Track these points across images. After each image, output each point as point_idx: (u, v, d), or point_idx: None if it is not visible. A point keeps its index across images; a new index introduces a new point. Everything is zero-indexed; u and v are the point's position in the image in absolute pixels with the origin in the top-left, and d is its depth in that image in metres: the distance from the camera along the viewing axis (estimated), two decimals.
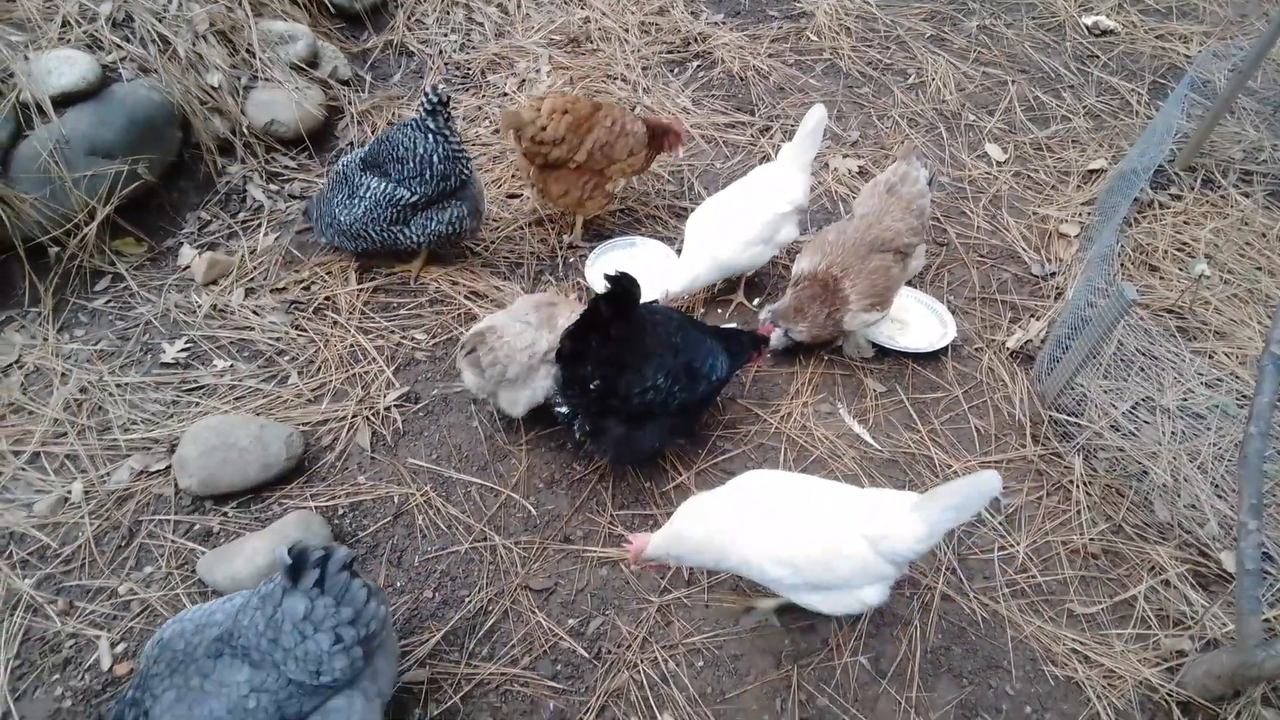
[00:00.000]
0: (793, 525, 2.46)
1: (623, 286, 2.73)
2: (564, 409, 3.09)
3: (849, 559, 2.41)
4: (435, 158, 3.55)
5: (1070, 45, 5.82)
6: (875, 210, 3.53)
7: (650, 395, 2.95)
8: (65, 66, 3.61)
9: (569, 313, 3.16)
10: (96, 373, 3.43)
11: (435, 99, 3.46)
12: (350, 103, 4.63)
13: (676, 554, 2.55)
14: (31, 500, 3.06)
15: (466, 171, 3.67)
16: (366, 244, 3.73)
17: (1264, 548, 3.00)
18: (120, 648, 2.74)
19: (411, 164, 3.54)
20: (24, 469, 3.14)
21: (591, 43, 5.36)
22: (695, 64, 5.36)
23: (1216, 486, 3.38)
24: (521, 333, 3.13)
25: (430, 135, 3.52)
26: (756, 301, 4.01)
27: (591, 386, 2.88)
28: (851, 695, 2.79)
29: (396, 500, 3.16)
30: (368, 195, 3.60)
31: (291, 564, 2.12)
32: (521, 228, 4.22)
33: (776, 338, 3.55)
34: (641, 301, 2.87)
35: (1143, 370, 3.73)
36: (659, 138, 4.01)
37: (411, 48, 5.14)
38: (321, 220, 3.74)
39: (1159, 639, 2.98)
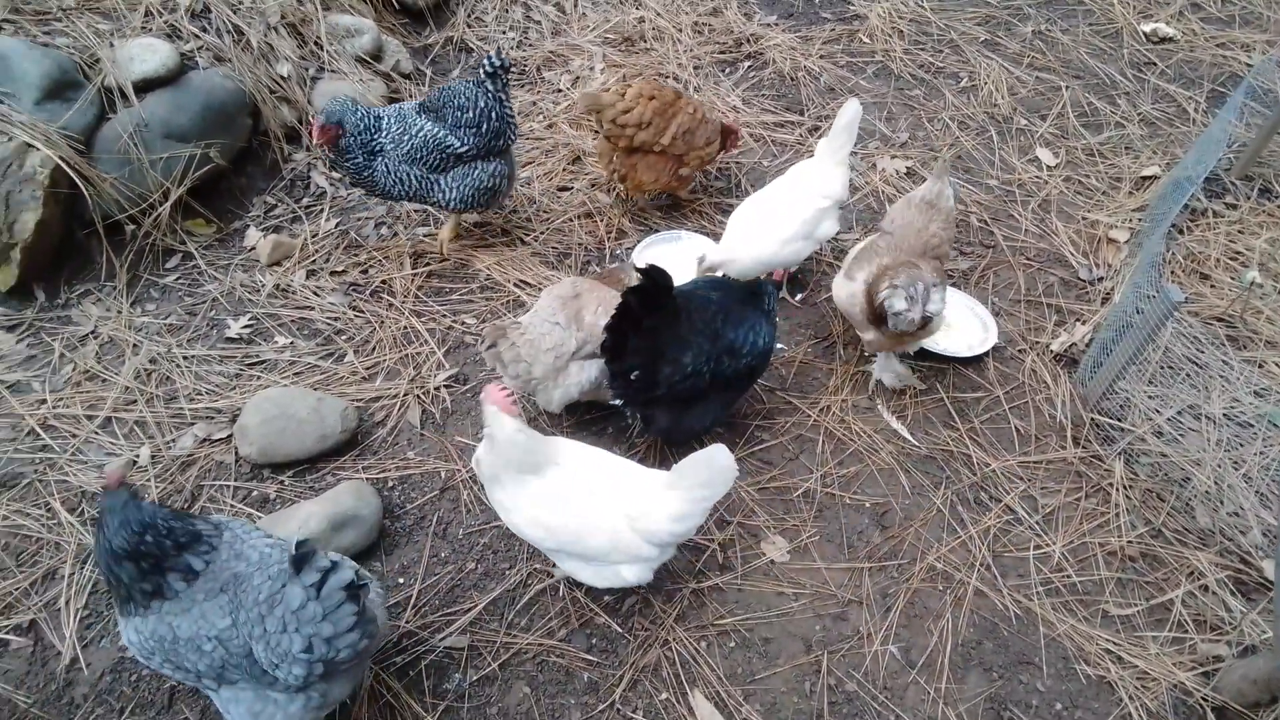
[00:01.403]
0: (560, 494, 2.58)
1: (653, 279, 2.82)
2: (617, 399, 3.20)
3: (602, 533, 2.55)
4: (494, 114, 3.72)
5: (1127, 52, 5.76)
6: (917, 221, 3.55)
7: (691, 382, 3.03)
8: (147, 54, 3.81)
9: (595, 305, 3.20)
10: (165, 345, 3.61)
11: (498, 63, 3.65)
12: (411, 96, 4.79)
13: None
14: (103, 462, 3.24)
15: (513, 137, 3.85)
16: (403, 188, 3.76)
17: None
18: None
19: (471, 114, 3.69)
20: (97, 432, 3.33)
21: (645, 42, 5.46)
22: (746, 64, 5.42)
23: (1261, 496, 3.35)
24: (548, 333, 3.15)
25: (489, 94, 3.70)
26: (799, 296, 4.05)
27: (632, 378, 2.97)
28: (880, 683, 2.83)
29: (443, 476, 3.28)
30: (419, 134, 3.70)
31: (295, 558, 2.14)
32: (570, 219, 4.33)
33: (936, 303, 3.22)
34: (680, 282, 2.97)
35: (1189, 377, 3.71)
36: (724, 135, 4.16)
37: (470, 44, 5.29)
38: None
39: (1195, 643, 2.96)
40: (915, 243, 3.47)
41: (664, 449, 3.40)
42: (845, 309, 3.53)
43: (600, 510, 2.57)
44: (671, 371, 3.02)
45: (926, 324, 3.26)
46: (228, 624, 2.18)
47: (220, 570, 2.24)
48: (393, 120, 3.71)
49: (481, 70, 3.68)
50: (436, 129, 3.71)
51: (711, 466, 2.50)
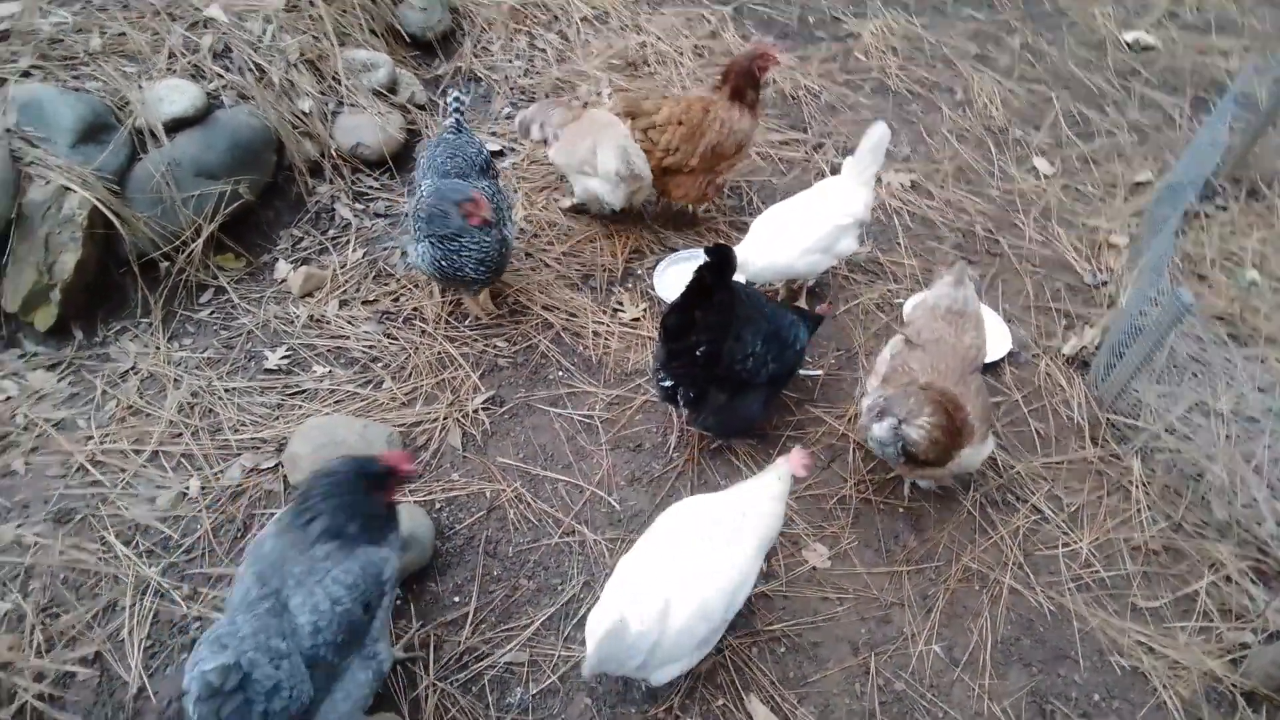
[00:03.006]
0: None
1: (722, 254, 2.98)
2: (667, 382, 3.28)
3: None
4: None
5: (1112, 61, 5.98)
6: (949, 331, 3.22)
7: (751, 362, 3.20)
8: (175, 94, 3.89)
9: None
10: (205, 378, 3.67)
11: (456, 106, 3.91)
12: (427, 126, 4.89)
13: None
14: (154, 495, 3.29)
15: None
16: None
17: None
18: None
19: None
20: (145, 466, 3.38)
21: (649, 66, 5.60)
22: None
23: (1272, 488, 3.50)
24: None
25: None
26: (820, 308, 4.17)
27: (698, 353, 3.10)
28: (927, 682, 2.93)
29: (489, 495, 3.36)
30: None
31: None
32: (591, 240, 4.44)
33: (884, 430, 2.97)
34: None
35: (1195, 376, 3.86)
36: (750, 88, 4.12)
37: (479, 74, 5.40)
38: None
39: (1221, 632, 3.10)
40: (954, 361, 3.12)
41: (702, 463, 3.51)
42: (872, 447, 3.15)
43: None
44: (737, 350, 3.16)
45: (916, 458, 2.99)
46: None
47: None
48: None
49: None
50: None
51: None
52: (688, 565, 2.55)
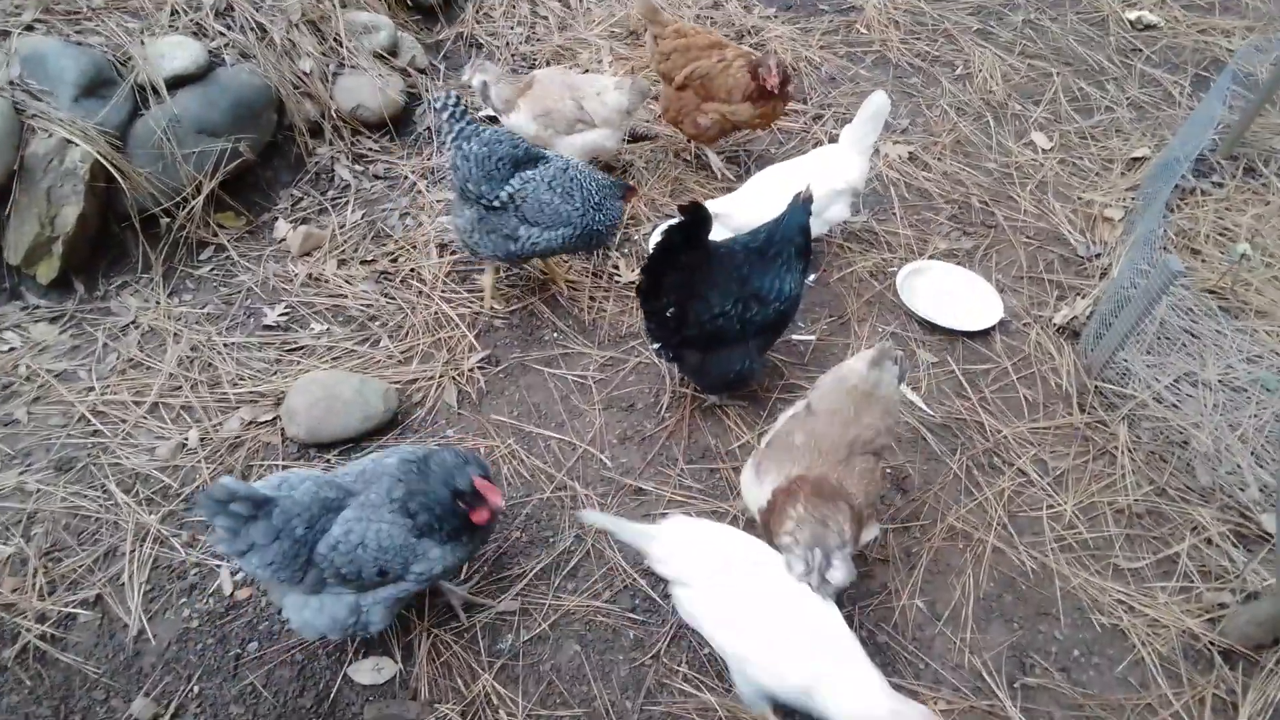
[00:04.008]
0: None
1: (696, 213, 3.01)
2: (655, 344, 3.40)
3: None
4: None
5: (1114, 39, 5.97)
6: (846, 410, 2.84)
7: (721, 321, 3.24)
8: (177, 51, 3.92)
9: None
10: (205, 333, 3.72)
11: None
12: (427, 90, 4.91)
13: None
14: (153, 445, 3.35)
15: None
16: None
17: None
18: (239, 575, 3.01)
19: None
20: (145, 417, 3.44)
21: None
22: None
23: (1256, 456, 3.55)
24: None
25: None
26: (812, 278, 4.20)
27: (668, 314, 3.18)
28: (909, 635, 3.00)
29: (483, 451, 3.41)
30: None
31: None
32: None
33: (844, 574, 2.52)
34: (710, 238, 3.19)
35: (1185, 347, 3.91)
36: (770, 95, 4.23)
37: (480, 39, 5.41)
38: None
39: (1201, 592, 3.15)
40: (839, 438, 2.76)
41: (694, 417, 3.56)
42: (752, 514, 2.91)
43: None
44: (702, 309, 3.22)
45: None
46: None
47: None
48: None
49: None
50: None
51: None
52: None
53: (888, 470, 3.23)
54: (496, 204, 3.52)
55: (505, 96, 4.30)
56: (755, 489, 2.81)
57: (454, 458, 2.55)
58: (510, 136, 3.59)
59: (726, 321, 3.24)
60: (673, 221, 3.08)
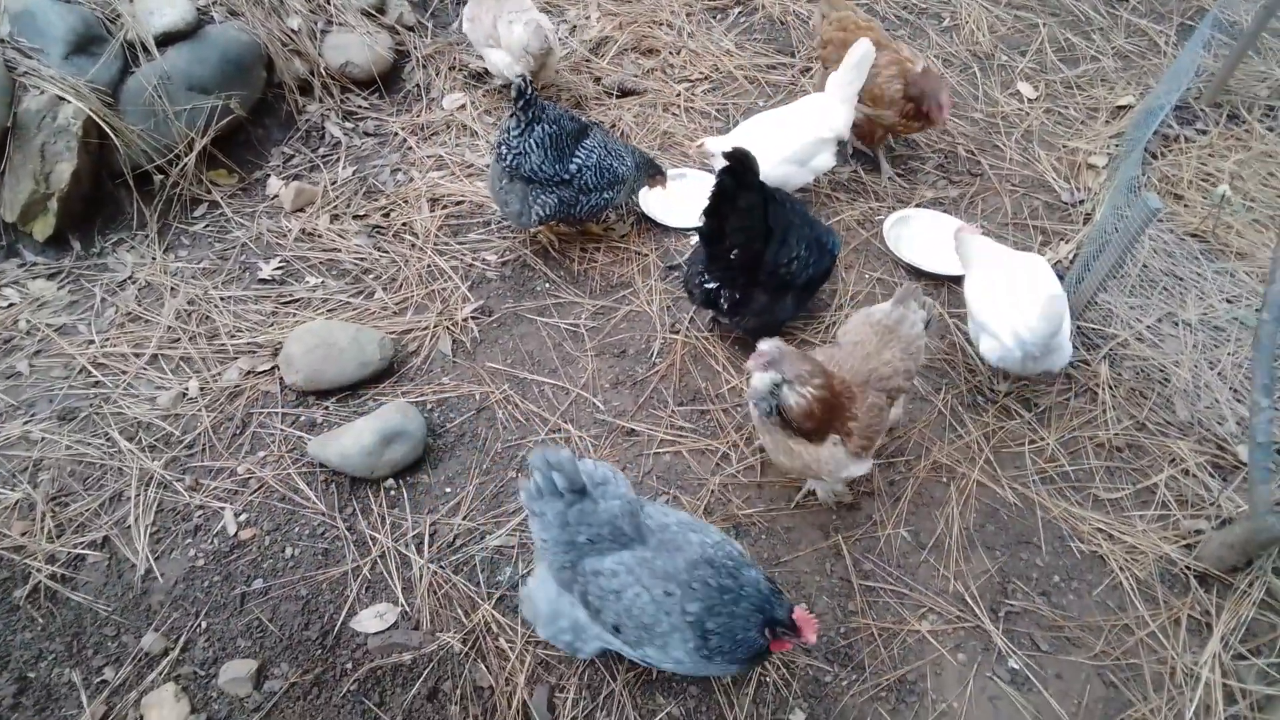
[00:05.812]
0: None
1: (739, 159, 3.08)
2: (711, 284, 3.43)
3: None
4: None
5: None
6: (872, 343, 2.97)
7: (795, 265, 3.35)
8: (166, 8, 3.93)
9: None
10: (202, 287, 3.77)
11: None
12: (415, 47, 4.92)
13: None
14: (154, 395, 3.41)
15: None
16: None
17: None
18: (243, 517, 3.09)
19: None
20: (145, 369, 3.50)
21: None
22: (737, 10, 5.59)
23: (1234, 391, 3.64)
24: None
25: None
26: None
27: (731, 256, 3.24)
28: (895, 562, 3.09)
29: (478, 397, 3.48)
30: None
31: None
32: None
33: (763, 380, 2.72)
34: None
35: (1166, 289, 3.98)
36: (921, 111, 4.20)
37: None
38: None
39: (1178, 520, 3.25)
40: (860, 367, 2.89)
41: (685, 362, 3.63)
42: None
43: None
44: (782, 252, 3.31)
45: (790, 423, 2.76)
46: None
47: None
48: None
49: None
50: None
51: None
52: None
53: (896, 419, 3.18)
54: (565, 176, 3.69)
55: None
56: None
57: (766, 583, 2.34)
58: (566, 111, 3.79)
59: (800, 265, 3.35)
60: (721, 166, 3.16)
